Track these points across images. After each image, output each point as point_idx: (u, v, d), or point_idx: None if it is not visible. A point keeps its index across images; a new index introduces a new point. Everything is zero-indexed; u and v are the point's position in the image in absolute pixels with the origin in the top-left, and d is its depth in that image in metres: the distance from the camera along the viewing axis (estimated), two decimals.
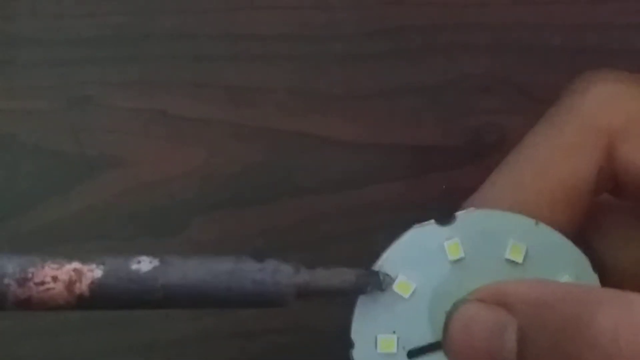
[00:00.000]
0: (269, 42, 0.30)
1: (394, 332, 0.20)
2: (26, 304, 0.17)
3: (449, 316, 0.19)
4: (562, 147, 0.21)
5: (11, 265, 0.16)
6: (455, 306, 0.19)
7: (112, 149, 0.28)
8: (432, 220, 0.20)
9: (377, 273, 0.20)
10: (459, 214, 0.20)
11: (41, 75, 0.29)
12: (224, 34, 0.30)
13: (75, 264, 0.17)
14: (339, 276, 0.19)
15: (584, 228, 0.22)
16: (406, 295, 0.20)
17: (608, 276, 0.22)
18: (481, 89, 0.29)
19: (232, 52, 0.29)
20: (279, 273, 0.18)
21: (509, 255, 0.20)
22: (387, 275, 0.20)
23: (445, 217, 0.20)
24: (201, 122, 0.29)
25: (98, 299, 0.17)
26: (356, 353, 0.20)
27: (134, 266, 0.17)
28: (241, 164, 0.28)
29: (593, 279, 0.20)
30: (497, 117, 0.29)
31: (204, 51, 0.29)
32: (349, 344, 0.20)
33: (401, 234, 0.20)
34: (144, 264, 0.17)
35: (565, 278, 0.20)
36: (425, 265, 0.20)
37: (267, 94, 0.29)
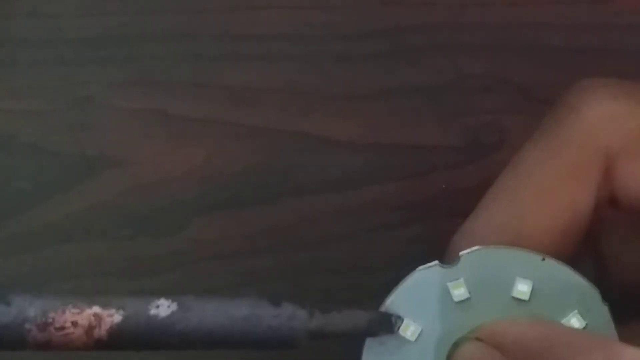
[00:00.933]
0: (269, 42, 0.30)
1: None
2: (45, 347, 0.17)
3: (450, 355, 0.19)
4: (561, 172, 0.20)
5: (33, 309, 0.17)
6: (457, 345, 0.19)
7: (112, 149, 0.28)
8: (436, 262, 0.20)
9: (389, 316, 0.20)
10: (463, 254, 0.20)
11: (41, 75, 0.29)
12: (224, 34, 0.30)
13: (96, 309, 0.17)
14: (352, 320, 0.19)
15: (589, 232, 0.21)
16: (413, 339, 0.20)
17: (611, 278, 0.22)
18: (481, 89, 0.29)
19: (232, 52, 0.29)
20: (294, 319, 0.18)
21: (515, 293, 0.20)
22: (399, 317, 0.20)
23: (449, 259, 0.20)
24: (201, 122, 0.29)
25: (116, 343, 0.17)
26: None
27: (153, 311, 0.17)
28: (241, 164, 0.28)
29: (603, 311, 0.20)
30: (497, 117, 0.29)
31: (204, 51, 0.29)
32: None
33: (406, 276, 0.20)
34: (162, 309, 0.17)
35: (573, 313, 0.20)
36: (430, 307, 0.20)
37: (267, 94, 0.29)
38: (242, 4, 0.30)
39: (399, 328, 0.20)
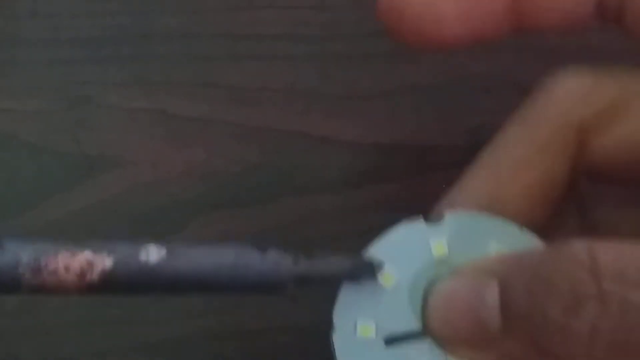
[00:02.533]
0: (269, 42, 0.30)
1: (374, 319, 0.21)
2: (38, 291, 0.17)
3: (429, 293, 0.20)
4: (536, 146, 0.22)
5: (26, 254, 0.17)
6: (435, 284, 0.20)
7: (112, 149, 0.28)
8: (420, 217, 0.21)
9: (371, 262, 0.21)
10: (447, 215, 0.21)
11: (41, 75, 0.29)
12: (224, 34, 0.30)
13: (87, 254, 0.17)
14: (336, 265, 0.20)
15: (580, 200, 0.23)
16: (388, 286, 0.21)
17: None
18: (481, 89, 0.29)
19: (232, 52, 0.30)
20: (280, 265, 0.19)
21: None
22: (380, 263, 0.21)
23: (433, 216, 0.21)
24: (201, 122, 0.29)
25: (107, 287, 0.18)
26: (336, 336, 0.21)
27: (143, 257, 0.18)
28: (241, 164, 0.28)
29: (523, 237, 0.21)
30: (497, 117, 0.29)
31: (204, 51, 0.29)
32: (331, 327, 0.21)
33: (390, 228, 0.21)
34: (152, 255, 0.18)
35: (494, 245, 0.21)
36: (409, 259, 0.21)
37: (267, 94, 0.29)
38: (242, 4, 0.30)
39: (379, 273, 0.21)
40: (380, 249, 0.21)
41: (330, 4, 0.30)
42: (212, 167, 0.28)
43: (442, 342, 0.20)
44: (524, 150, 0.22)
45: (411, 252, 0.21)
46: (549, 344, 0.17)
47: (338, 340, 0.21)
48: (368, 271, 0.21)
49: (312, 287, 0.20)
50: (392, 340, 0.21)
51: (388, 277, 0.21)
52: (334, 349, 0.21)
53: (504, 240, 0.21)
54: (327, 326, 0.27)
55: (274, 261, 0.19)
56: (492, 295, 0.18)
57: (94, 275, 0.17)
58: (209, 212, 0.28)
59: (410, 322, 0.21)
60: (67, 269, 0.17)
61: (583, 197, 0.23)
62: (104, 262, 0.17)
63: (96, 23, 0.29)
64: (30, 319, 0.27)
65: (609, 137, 0.21)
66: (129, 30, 0.29)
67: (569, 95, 0.22)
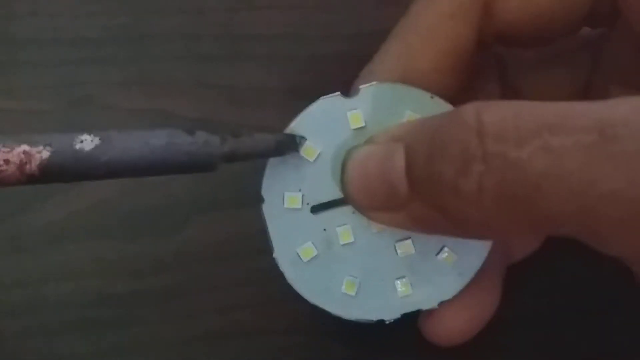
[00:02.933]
0: (269, 42, 0.30)
1: (300, 190, 0.22)
2: None
3: (346, 161, 0.22)
4: (442, 13, 0.22)
5: None
6: (350, 152, 0.22)
7: None
8: (338, 93, 0.23)
9: (293, 136, 0.22)
10: (362, 87, 0.22)
11: (41, 75, 0.29)
12: (224, 34, 0.30)
13: (24, 147, 0.18)
14: (261, 142, 0.21)
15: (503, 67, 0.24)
16: (311, 159, 0.22)
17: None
18: None
19: (232, 52, 0.29)
20: (209, 144, 0.20)
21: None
22: (302, 137, 0.22)
23: (350, 91, 0.23)
24: (201, 122, 0.29)
25: (47, 176, 0.18)
26: (265, 207, 0.22)
27: (78, 146, 0.19)
28: (241, 163, 0.28)
29: (434, 103, 0.22)
30: None
31: (204, 51, 0.29)
32: (260, 200, 0.22)
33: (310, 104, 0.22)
34: (87, 143, 0.19)
35: (407, 112, 0.22)
36: (329, 132, 0.22)
37: (267, 94, 0.29)
38: (242, 4, 0.30)
39: (301, 147, 0.22)
40: (301, 124, 0.22)
41: (330, 4, 0.30)
42: None
43: (358, 206, 0.22)
44: (431, 19, 0.23)
45: (331, 125, 0.22)
46: (445, 203, 0.18)
47: (268, 211, 0.22)
48: (291, 145, 0.22)
49: (240, 162, 0.21)
50: (317, 209, 0.22)
51: (311, 150, 0.22)
52: (265, 219, 0.22)
53: (417, 108, 0.22)
54: (326, 326, 0.27)
55: (203, 142, 0.20)
56: (400, 160, 0.20)
57: (33, 166, 0.18)
58: (209, 212, 0.28)
59: (333, 191, 0.22)
60: (7, 162, 0.18)
61: (503, 62, 0.24)
62: (41, 153, 0.18)
63: (96, 23, 0.29)
64: (30, 319, 0.27)
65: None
66: (129, 30, 0.29)
67: None
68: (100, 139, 0.19)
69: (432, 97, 0.22)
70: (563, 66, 0.24)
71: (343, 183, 0.22)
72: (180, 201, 0.28)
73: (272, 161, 0.22)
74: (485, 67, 0.25)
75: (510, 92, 0.25)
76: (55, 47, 0.29)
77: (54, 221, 0.27)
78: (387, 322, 0.22)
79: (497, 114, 0.17)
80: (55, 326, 0.27)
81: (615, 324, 0.27)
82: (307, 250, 0.22)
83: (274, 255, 0.22)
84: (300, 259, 0.22)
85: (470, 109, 0.18)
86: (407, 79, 0.22)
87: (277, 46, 0.30)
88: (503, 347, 0.27)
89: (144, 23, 0.30)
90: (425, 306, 0.23)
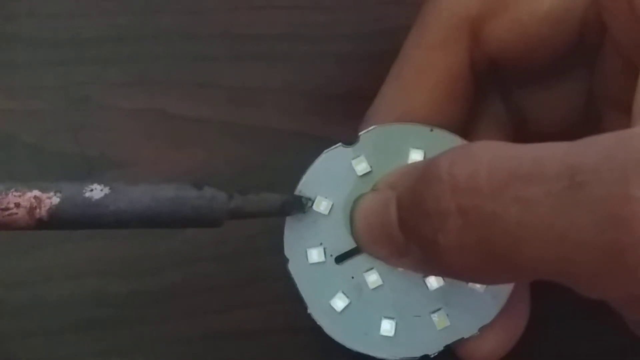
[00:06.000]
0: (269, 42, 0.30)
1: (321, 244, 0.23)
2: None
3: (353, 211, 0.22)
4: (432, 46, 0.23)
5: None
6: (356, 201, 0.22)
7: (112, 149, 0.28)
8: (339, 144, 0.23)
9: (299, 197, 0.22)
10: (362, 134, 0.23)
11: (41, 75, 0.29)
12: (224, 34, 0.30)
13: (35, 192, 0.19)
14: (267, 201, 0.22)
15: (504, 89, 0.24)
16: (326, 213, 0.23)
17: (530, 133, 0.25)
18: None
19: (232, 52, 0.29)
20: (215, 200, 0.20)
21: (410, 161, 0.22)
22: (308, 198, 0.23)
23: (350, 139, 0.23)
24: (201, 122, 0.29)
25: (56, 222, 0.19)
26: (291, 266, 0.23)
27: (87, 194, 0.19)
28: (241, 164, 0.28)
29: (445, 137, 0.23)
30: None
31: (204, 51, 0.29)
32: (285, 261, 0.23)
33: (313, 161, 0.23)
34: (96, 192, 0.19)
35: (414, 155, 0.23)
36: (338, 183, 0.23)
37: (267, 94, 0.29)
38: (242, 4, 0.30)
39: (310, 207, 0.23)
40: (310, 180, 0.23)
41: (330, 4, 0.30)
42: (212, 167, 0.28)
43: (368, 252, 0.22)
44: (422, 53, 0.23)
45: (338, 176, 0.23)
46: (431, 256, 0.18)
47: (294, 269, 0.23)
48: (298, 206, 0.22)
49: (245, 219, 0.21)
50: (341, 258, 0.23)
51: (323, 204, 0.23)
52: (293, 278, 0.23)
53: (419, 144, 0.22)
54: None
55: (210, 197, 0.20)
56: (394, 211, 0.20)
57: (43, 211, 0.19)
58: None
59: (351, 238, 0.23)
60: (17, 205, 0.19)
61: (504, 82, 0.24)
62: (51, 199, 0.19)
63: (96, 23, 0.29)
64: (30, 319, 0.27)
65: (499, 23, 0.22)
66: (129, 30, 0.29)
67: None
68: (110, 189, 0.19)
69: (431, 130, 0.22)
70: (563, 82, 0.24)
71: (352, 232, 0.22)
72: None
73: (289, 221, 0.23)
74: (487, 88, 0.24)
75: (515, 110, 0.25)
76: (55, 47, 0.29)
77: None
78: (432, 356, 0.23)
79: (468, 166, 0.17)
80: (55, 326, 0.27)
81: (614, 324, 0.27)
82: (339, 301, 0.22)
83: (309, 311, 0.23)
84: (334, 310, 0.22)
85: (443, 162, 0.18)
86: (407, 117, 0.23)
87: (277, 46, 0.30)
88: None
89: (144, 23, 0.30)
90: (466, 334, 0.23)
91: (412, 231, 0.19)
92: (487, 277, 0.19)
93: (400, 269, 0.22)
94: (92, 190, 0.19)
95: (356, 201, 0.22)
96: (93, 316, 0.27)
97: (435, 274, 0.22)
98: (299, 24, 0.30)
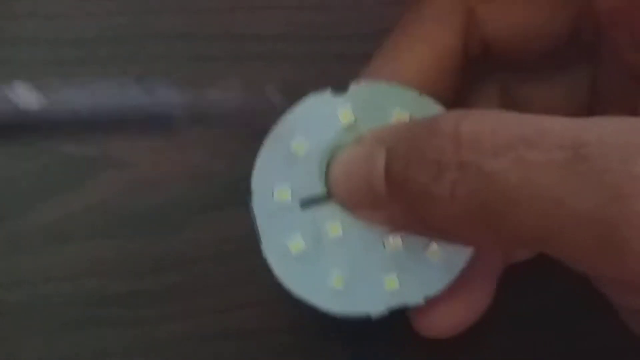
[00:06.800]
0: (269, 42, 0.30)
1: (290, 185, 0.22)
2: None
3: (332, 159, 0.22)
4: (429, 18, 0.23)
5: None
6: (337, 151, 0.22)
7: (112, 149, 0.28)
8: (328, 90, 0.23)
9: (266, 98, 0.23)
10: (352, 86, 0.23)
11: (41, 75, 0.29)
12: (224, 34, 0.30)
13: None
14: (226, 94, 0.20)
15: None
16: (301, 155, 0.22)
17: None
18: None
19: (232, 52, 0.29)
20: (163, 95, 0.19)
21: (393, 122, 0.22)
22: (277, 96, 0.22)
23: (339, 88, 0.23)
24: (201, 122, 0.29)
25: None
26: (255, 200, 0.23)
27: (12, 95, 0.18)
28: (241, 164, 0.28)
29: (424, 102, 0.22)
30: None
31: (204, 51, 0.29)
32: (249, 193, 0.23)
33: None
34: (22, 93, 0.18)
35: (397, 110, 0.22)
36: (319, 129, 0.22)
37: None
38: (242, 4, 0.30)
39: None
40: (292, 119, 0.22)
41: (330, 4, 0.30)
42: (212, 167, 0.28)
43: (341, 203, 0.22)
44: (418, 24, 0.23)
45: (320, 122, 0.22)
46: (418, 207, 0.19)
47: (257, 204, 0.23)
48: (263, 105, 0.22)
49: (208, 125, 0.20)
50: (306, 203, 0.22)
51: (300, 145, 0.22)
52: (253, 213, 0.22)
53: (405, 105, 0.22)
54: (326, 326, 0.27)
55: (159, 94, 0.18)
56: (380, 162, 0.20)
57: None
58: (209, 212, 0.28)
59: (321, 185, 0.22)
60: None
61: (500, 75, 0.25)
62: None
63: (96, 23, 0.29)
64: (30, 319, 0.27)
65: (494, 5, 0.23)
66: (129, 30, 0.29)
67: None
68: (39, 87, 0.18)
69: (420, 95, 0.22)
70: (562, 77, 0.24)
71: (328, 180, 0.22)
72: (180, 201, 0.28)
73: (262, 156, 0.22)
74: (482, 79, 0.25)
75: (510, 103, 0.25)
76: (55, 47, 0.29)
77: (54, 221, 0.27)
78: (374, 318, 0.22)
79: (475, 124, 0.18)
80: (55, 326, 0.27)
81: (614, 323, 0.27)
82: (297, 244, 0.22)
83: (262, 247, 0.22)
84: (290, 252, 0.22)
85: (449, 118, 0.18)
86: (398, 83, 0.23)
87: (277, 46, 0.30)
88: (502, 346, 0.27)
89: (144, 23, 0.29)
90: (411, 302, 0.22)
91: (400, 182, 0.19)
92: (469, 237, 0.19)
93: (364, 224, 0.22)
94: (18, 89, 0.18)
95: (337, 150, 0.22)
96: (93, 316, 0.27)
97: (407, 230, 0.21)
98: (299, 24, 0.30)
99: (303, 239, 0.22)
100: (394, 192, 0.20)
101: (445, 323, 0.23)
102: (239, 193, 0.28)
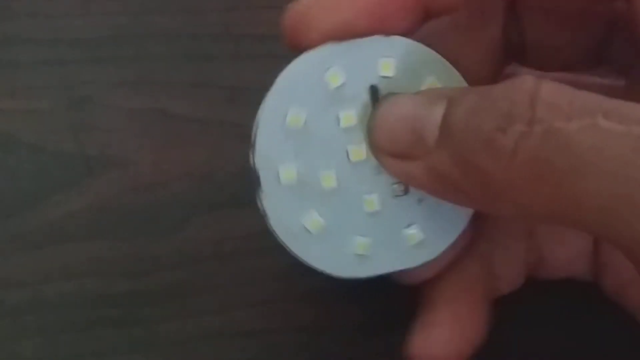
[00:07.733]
0: (269, 42, 0.30)
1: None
2: None
3: (377, 104, 0.21)
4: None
5: None
6: (388, 96, 0.21)
7: (112, 149, 0.28)
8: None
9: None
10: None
11: (41, 75, 0.29)
12: (224, 34, 0.30)
13: None
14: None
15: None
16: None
17: None
18: None
19: (232, 52, 0.29)
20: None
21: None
22: None
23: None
24: (201, 122, 0.29)
25: None
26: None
27: None
28: (241, 164, 0.28)
29: (459, 80, 0.22)
30: None
31: (204, 51, 0.29)
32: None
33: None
34: None
35: (431, 78, 0.22)
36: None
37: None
38: (242, 4, 0.30)
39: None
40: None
41: None
42: (212, 167, 0.28)
43: (378, 149, 0.21)
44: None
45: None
46: (475, 156, 0.18)
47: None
48: None
49: None
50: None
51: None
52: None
53: (440, 76, 0.22)
54: (326, 326, 0.27)
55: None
56: (439, 111, 0.19)
57: None
58: (209, 212, 0.28)
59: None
60: None
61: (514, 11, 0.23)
62: None
63: (96, 23, 0.29)
64: (30, 319, 0.27)
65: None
66: (129, 30, 0.29)
67: None
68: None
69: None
70: (575, 30, 0.23)
71: (370, 123, 0.21)
72: (180, 201, 0.28)
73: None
74: (490, 14, 0.24)
75: (517, 41, 0.24)
76: (55, 47, 0.29)
77: (54, 221, 0.27)
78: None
79: (555, 87, 0.17)
80: (55, 326, 0.27)
81: (614, 324, 0.27)
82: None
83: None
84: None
85: (528, 78, 0.18)
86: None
87: (277, 46, 0.30)
88: (500, 346, 0.27)
89: (144, 23, 0.30)
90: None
91: (460, 129, 0.19)
92: (518, 200, 0.18)
93: (383, 175, 0.22)
94: None
95: (387, 96, 0.21)
96: (93, 316, 0.27)
97: (438, 185, 0.20)
98: None
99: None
100: (448, 139, 0.19)
101: (437, 351, 0.23)
102: (239, 193, 0.28)
